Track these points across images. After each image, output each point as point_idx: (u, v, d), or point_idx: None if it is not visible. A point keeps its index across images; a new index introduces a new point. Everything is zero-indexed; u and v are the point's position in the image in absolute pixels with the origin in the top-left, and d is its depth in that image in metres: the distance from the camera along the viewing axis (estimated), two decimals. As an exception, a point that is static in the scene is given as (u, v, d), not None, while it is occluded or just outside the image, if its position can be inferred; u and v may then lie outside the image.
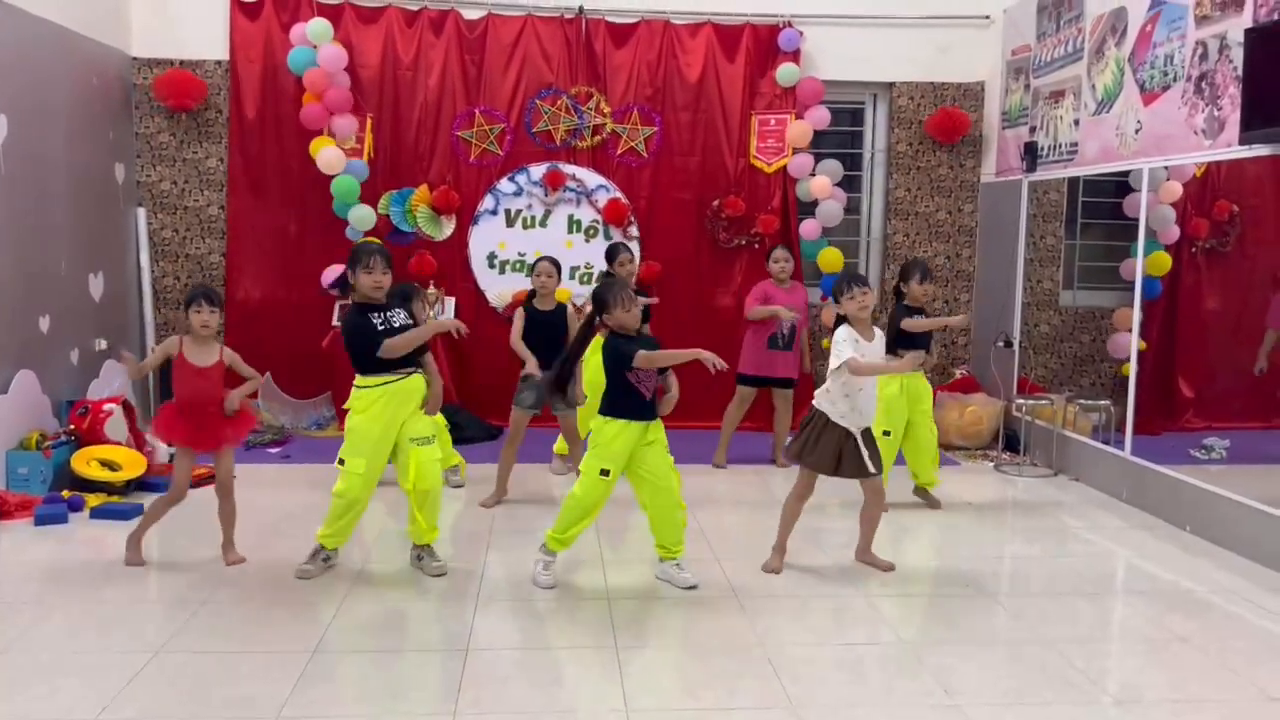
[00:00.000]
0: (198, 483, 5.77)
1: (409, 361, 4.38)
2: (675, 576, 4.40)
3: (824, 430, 4.49)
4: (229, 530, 4.63)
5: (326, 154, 7.12)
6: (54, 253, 6.30)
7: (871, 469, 4.53)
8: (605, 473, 4.28)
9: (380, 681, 3.49)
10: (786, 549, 4.68)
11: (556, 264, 5.77)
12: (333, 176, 7.20)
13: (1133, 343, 5.95)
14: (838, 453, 4.48)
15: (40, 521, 5.10)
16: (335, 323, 7.38)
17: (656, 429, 4.35)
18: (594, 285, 5.94)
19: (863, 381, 4.46)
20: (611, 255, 6.27)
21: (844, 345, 4.45)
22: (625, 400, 4.28)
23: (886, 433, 5.29)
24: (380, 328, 4.30)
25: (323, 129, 7.23)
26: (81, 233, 6.62)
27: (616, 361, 4.27)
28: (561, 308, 5.75)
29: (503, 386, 7.50)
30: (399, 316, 4.40)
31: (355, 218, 7.24)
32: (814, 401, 4.56)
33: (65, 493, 5.42)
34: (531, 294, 5.78)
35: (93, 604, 4.10)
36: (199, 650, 3.67)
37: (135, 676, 3.43)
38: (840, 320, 4.58)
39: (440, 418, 5.73)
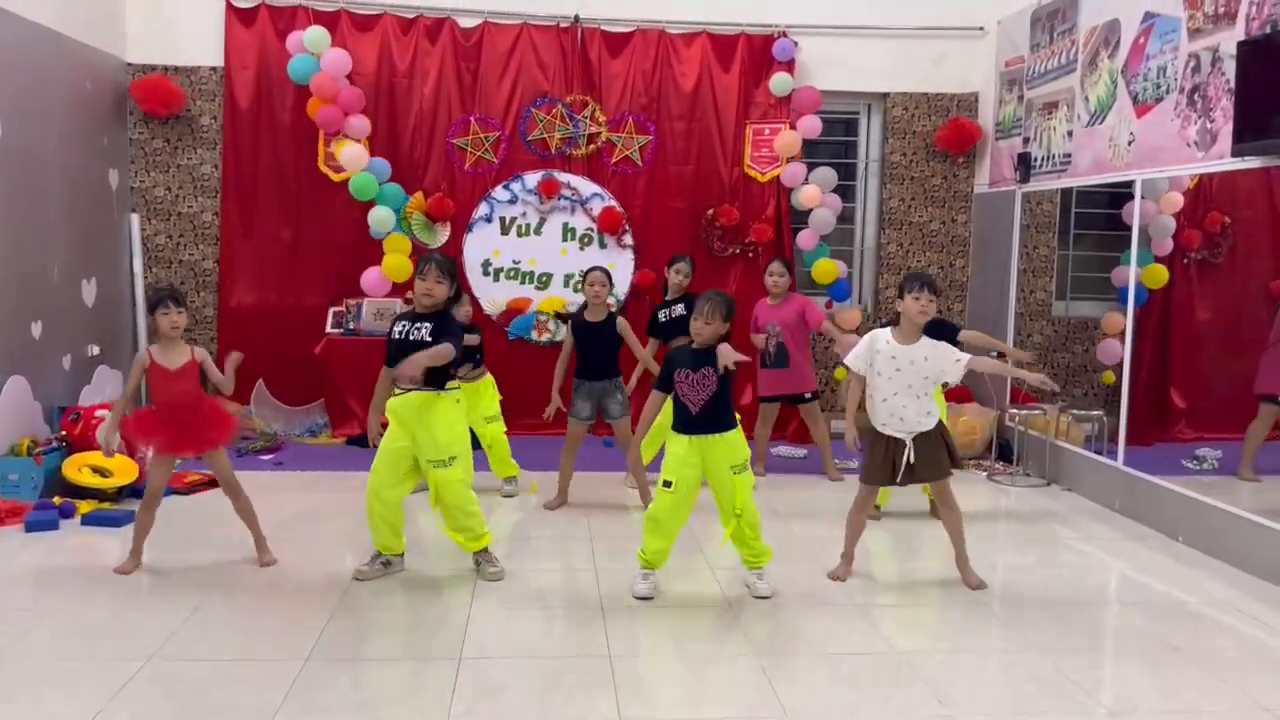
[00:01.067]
0: (192, 488, 5.79)
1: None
2: (752, 584, 4.43)
3: (873, 442, 4.48)
4: (255, 529, 4.63)
5: (350, 151, 7.19)
6: (47, 258, 6.29)
7: (919, 475, 4.48)
8: (667, 484, 4.29)
9: (373, 690, 3.48)
10: (854, 556, 4.68)
11: (608, 274, 5.71)
12: (337, 182, 7.31)
13: (1125, 353, 5.97)
14: (890, 462, 4.44)
15: (31, 528, 5.07)
16: (329, 330, 7.38)
17: (719, 445, 4.28)
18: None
19: (892, 388, 4.40)
20: (670, 263, 6.29)
21: (856, 347, 4.46)
22: (677, 411, 4.34)
23: None
24: (395, 337, 4.41)
25: (339, 131, 7.28)
26: (75, 238, 6.61)
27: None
28: (611, 317, 5.65)
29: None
30: (421, 330, 4.37)
31: (375, 219, 7.27)
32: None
33: (56, 499, 5.40)
34: (583, 306, 5.77)
35: (83, 611, 4.07)
36: (191, 658, 3.65)
37: (126, 685, 3.41)
38: (893, 319, 4.53)
39: (497, 428, 5.82)
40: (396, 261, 7.28)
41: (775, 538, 5.29)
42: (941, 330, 5.61)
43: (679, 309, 5.95)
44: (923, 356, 4.40)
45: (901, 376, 4.39)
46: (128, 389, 4.53)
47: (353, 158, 7.19)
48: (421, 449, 4.37)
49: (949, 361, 4.42)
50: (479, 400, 5.72)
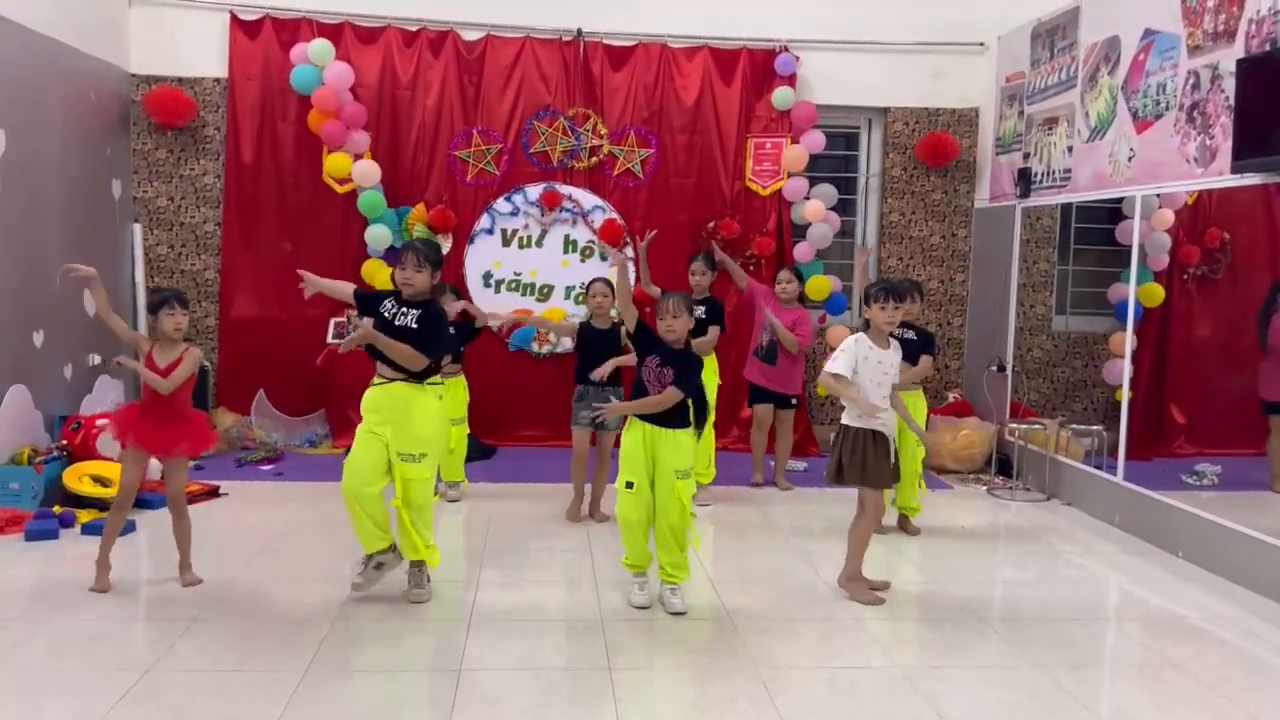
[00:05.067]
0: (192, 498, 5.77)
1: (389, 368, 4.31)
2: (666, 600, 4.38)
3: (852, 441, 4.45)
4: (185, 549, 4.55)
5: (361, 167, 7.29)
6: (49, 267, 6.30)
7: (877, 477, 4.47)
8: (629, 485, 4.26)
9: (372, 702, 3.47)
10: (859, 573, 4.60)
11: (611, 285, 5.74)
12: (340, 195, 7.40)
13: (1124, 368, 5.98)
14: (862, 460, 4.44)
15: (31, 537, 5.07)
16: (330, 340, 7.39)
17: (668, 441, 4.27)
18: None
19: (880, 391, 4.42)
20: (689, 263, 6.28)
21: (838, 355, 4.43)
22: (636, 394, 4.31)
23: None
24: (385, 316, 4.34)
25: (341, 145, 7.32)
26: (77, 247, 6.61)
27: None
28: (616, 326, 5.65)
29: (497, 405, 7.55)
30: (407, 317, 4.32)
31: (372, 236, 7.31)
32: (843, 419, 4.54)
33: (57, 508, 5.40)
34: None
35: (82, 621, 4.07)
36: (188, 669, 3.65)
37: (123, 696, 3.41)
38: (865, 324, 4.52)
39: (461, 430, 5.92)
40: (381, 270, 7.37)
41: (773, 550, 5.32)
42: (923, 344, 5.62)
43: (699, 311, 5.82)
44: (892, 361, 4.50)
45: (887, 379, 4.48)
46: (135, 362, 4.38)
47: (365, 173, 7.26)
48: (396, 440, 4.28)
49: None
50: (448, 400, 5.71)
